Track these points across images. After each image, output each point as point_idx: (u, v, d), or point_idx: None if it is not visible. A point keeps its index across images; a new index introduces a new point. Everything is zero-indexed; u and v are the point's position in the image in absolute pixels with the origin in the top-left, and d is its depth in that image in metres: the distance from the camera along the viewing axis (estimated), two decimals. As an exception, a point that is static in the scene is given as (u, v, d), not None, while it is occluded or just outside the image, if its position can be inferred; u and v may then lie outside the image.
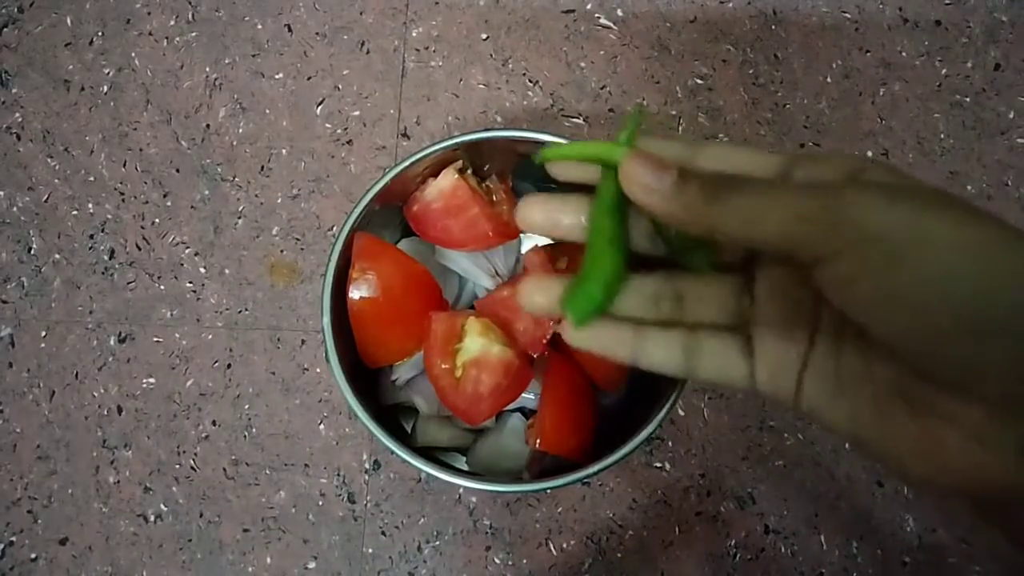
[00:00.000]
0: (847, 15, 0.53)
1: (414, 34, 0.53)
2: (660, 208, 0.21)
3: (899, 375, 0.19)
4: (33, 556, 0.47)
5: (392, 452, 0.34)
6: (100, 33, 0.53)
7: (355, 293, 0.36)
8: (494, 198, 0.40)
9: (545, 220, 0.24)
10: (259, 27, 0.53)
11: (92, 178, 0.51)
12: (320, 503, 0.47)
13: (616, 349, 0.24)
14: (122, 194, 0.51)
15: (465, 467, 0.42)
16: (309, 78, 0.52)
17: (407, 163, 0.37)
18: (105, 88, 0.52)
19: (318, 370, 0.48)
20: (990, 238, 0.17)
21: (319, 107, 0.52)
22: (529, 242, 0.43)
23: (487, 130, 0.38)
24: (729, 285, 0.24)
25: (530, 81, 0.52)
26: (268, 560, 0.46)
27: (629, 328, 0.24)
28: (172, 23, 0.53)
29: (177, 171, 0.51)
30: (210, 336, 0.49)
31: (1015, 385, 0.17)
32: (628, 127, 0.23)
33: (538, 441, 0.36)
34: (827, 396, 0.21)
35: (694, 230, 0.21)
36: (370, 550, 0.46)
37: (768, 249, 0.20)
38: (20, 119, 0.52)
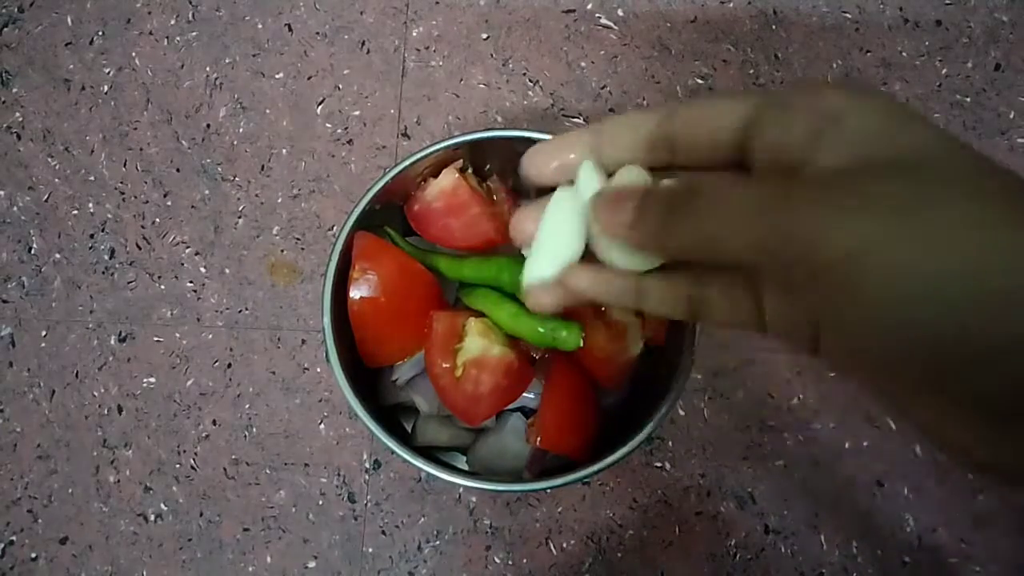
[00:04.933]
0: (847, 15, 0.53)
1: (414, 34, 0.53)
2: (625, 237, 0.21)
3: None
4: (33, 555, 0.47)
5: (392, 452, 0.34)
6: (100, 33, 0.53)
7: (355, 293, 0.36)
8: (495, 198, 0.40)
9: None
10: (259, 27, 0.53)
11: (92, 178, 0.51)
12: (320, 503, 0.47)
13: (618, 294, 0.23)
14: (122, 194, 0.51)
15: (465, 467, 0.42)
16: (309, 78, 0.52)
17: (407, 163, 0.37)
18: (105, 88, 0.52)
19: (318, 370, 0.48)
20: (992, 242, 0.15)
21: (319, 107, 0.52)
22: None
23: (487, 130, 0.38)
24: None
25: (530, 81, 0.52)
26: (268, 559, 0.46)
27: (632, 276, 0.23)
28: (172, 23, 0.53)
29: (177, 171, 0.51)
30: (210, 336, 0.49)
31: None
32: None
33: (539, 439, 0.36)
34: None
35: (662, 256, 0.22)
36: (370, 550, 0.46)
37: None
38: (20, 118, 0.52)
